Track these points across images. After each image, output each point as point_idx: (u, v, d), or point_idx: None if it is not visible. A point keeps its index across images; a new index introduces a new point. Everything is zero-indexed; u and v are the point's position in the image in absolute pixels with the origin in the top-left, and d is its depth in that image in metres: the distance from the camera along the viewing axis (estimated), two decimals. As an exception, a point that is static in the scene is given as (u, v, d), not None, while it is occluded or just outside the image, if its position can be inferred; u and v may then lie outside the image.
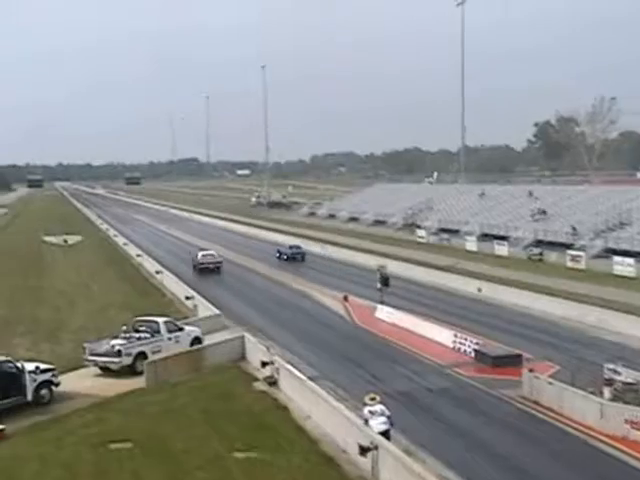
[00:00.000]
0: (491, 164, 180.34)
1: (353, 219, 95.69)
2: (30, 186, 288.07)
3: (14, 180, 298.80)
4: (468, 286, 45.16)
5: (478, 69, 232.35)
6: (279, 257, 63.10)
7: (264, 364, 26.47)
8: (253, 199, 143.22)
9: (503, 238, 64.11)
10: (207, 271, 55.41)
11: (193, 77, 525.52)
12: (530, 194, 74.33)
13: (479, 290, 43.89)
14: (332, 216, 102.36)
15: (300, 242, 68.18)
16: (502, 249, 61.87)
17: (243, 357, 29.53)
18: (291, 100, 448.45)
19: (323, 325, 37.07)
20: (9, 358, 24.05)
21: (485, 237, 66.67)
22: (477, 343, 29.78)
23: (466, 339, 30.53)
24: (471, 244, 66.24)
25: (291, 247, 64.18)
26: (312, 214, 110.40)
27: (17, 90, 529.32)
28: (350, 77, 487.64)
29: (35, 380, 23.81)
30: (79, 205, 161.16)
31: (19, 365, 23.84)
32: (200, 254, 58.03)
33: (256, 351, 28.43)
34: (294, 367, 25.67)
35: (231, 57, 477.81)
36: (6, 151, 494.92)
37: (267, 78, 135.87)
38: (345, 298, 42.46)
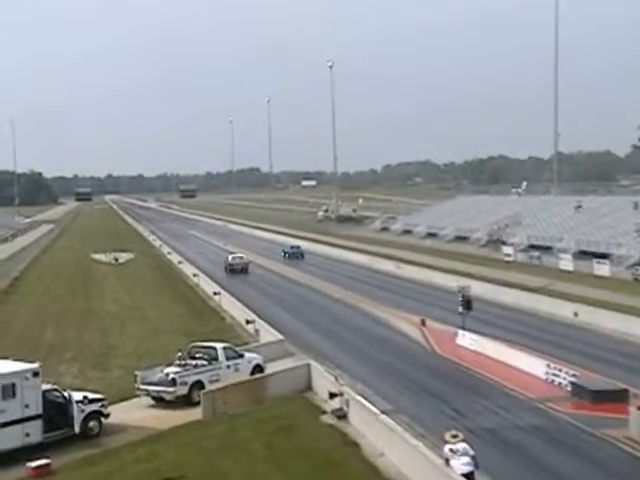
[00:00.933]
0: (589, 172, 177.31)
1: (431, 235, 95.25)
2: (78, 199, 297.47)
3: (61, 193, 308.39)
4: (562, 310, 44.42)
5: (572, 56, 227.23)
6: (283, 256, 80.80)
7: (332, 395, 26.43)
8: (320, 213, 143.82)
9: (604, 256, 62.88)
10: (237, 272, 68.03)
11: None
12: (636, 206, 72.73)
13: (575, 315, 43.14)
14: (407, 232, 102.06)
15: (368, 259, 74.98)
16: (603, 269, 60.63)
17: (309, 387, 29.62)
18: (356, 103, 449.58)
19: (398, 352, 36.89)
20: (55, 386, 24.59)
21: (582, 255, 65.53)
22: (574, 375, 29.20)
23: (561, 370, 29.98)
24: (566, 263, 65.13)
25: (292, 247, 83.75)
26: (385, 229, 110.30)
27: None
28: (417, 75, 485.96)
29: (83, 411, 24.26)
30: (130, 220, 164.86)
31: (66, 394, 24.38)
32: (230, 257, 71.92)
33: (323, 381, 28.48)
34: (366, 399, 25.61)
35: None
36: (52, 162, 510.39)
37: (325, 77, 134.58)
38: (422, 322, 42.25)
